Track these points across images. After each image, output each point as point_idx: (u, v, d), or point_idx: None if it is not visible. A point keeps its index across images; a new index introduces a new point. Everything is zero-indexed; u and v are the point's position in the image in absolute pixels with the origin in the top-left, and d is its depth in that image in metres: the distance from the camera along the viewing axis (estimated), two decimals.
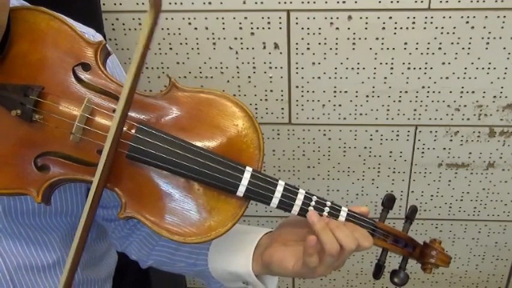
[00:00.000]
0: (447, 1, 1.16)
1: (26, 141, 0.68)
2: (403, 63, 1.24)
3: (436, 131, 1.34)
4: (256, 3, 1.18)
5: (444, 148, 1.36)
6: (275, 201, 0.70)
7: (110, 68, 0.81)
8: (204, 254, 0.82)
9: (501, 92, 1.27)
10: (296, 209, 0.71)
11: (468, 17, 1.17)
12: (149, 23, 0.61)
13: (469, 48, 1.21)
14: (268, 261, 0.75)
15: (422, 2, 1.16)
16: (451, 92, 1.28)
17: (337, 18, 1.19)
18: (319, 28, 1.21)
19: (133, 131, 0.68)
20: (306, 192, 0.72)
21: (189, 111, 0.71)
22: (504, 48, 1.21)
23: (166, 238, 0.70)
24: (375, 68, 1.25)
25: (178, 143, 0.68)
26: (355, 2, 1.17)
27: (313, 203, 0.72)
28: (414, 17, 1.18)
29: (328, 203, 0.73)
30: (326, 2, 1.17)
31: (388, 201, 0.80)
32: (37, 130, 0.68)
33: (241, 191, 0.69)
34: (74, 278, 0.66)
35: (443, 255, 0.81)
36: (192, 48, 1.25)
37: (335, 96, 1.30)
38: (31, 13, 0.71)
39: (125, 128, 0.68)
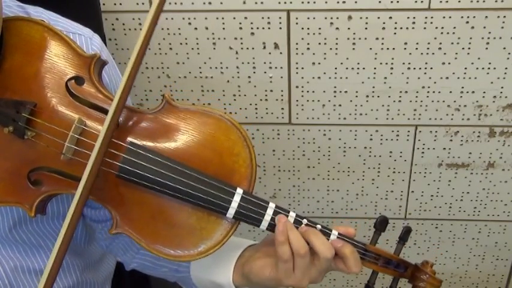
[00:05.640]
0: (447, 1, 1.16)
1: (19, 156, 0.68)
2: (403, 63, 1.24)
3: (436, 131, 1.34)
4: (256, 3, 1.18)
5: (444, 148, 1.36)
6: (265, 224, 0.70)
7: (108, 74, 0.80)
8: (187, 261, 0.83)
9: (501, 92, 1.27)
10: None
11: (468, 17, 1.17)
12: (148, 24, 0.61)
13: (469, 48, 1.21)
14: (248, 271, 0.74)
15: (422, 2, 1.16)
16: (451, 92, 1.28)
17: (337, 18, 1.19)
18: (319, 28, 1.21)
19: (123, 151, 0.67)
20: (296, 215, 0.71)
21: (181, 129, 0.70)
22: (504, 48, 1.21)
23: (156, 255, 0.70)
24: (375, 68, 1.25)
25: (168, 164, 0.68)
26: (355, 2, 1.17)
27: (303, 226, 0.71)
28: (414, 17, 1.18)
29: (318, 226, 0.72)
30: (326, 2, 1.17)
31: (381, 224, 0.79)
32: (29, 147, 0.68)
33: (231, 213, 0.69)
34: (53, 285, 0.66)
35: (434, 280, 0.81)
36: (192, 48, 1.25)
37: (335, 96, 1.30)
38: (25, 24, 0.70)
39: (115, 146, 0.67)
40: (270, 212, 0.70)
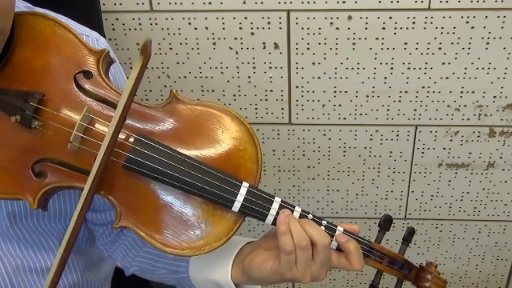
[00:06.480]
0: (447, 1, 1.16)
1: (24, 147, 0.68)
2: (403, 63, 1.24)
3: (436, 131, 1.34)
4: (256, 3, 1.18)
5: (444, 148, 1.36)
6: (270, 218, 0.70)
7: (113, 74, 0.81)
8: (185, 261, 0.82)
9: (501, 92, 1.27)
10: None
11: (468, 17, 1.17)
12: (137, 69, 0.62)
13: (469, 48, 1.21)
14: (248, 266, 0.74)
15: (422, 2, 1.16)
16: (451, 92, 1.28)
17: (337, 18, 1.19)
18: (319, 28, 1.21)
19: (131, 141, 0.68)
20: (302, 210, 0.71)
21: (188, 123, 0.71)
22: (504, 48, 1.21)
23: (160, 250, 0.69)
24: (374, 68, 1.25)
25: (175, 155, 0.68)
26: (355, 2, 1.17)
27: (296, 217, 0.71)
28: (414, 17, 1.18)
29: (324, 222, 0.72)
30: (326, 2, 1.17)
31: (385, 223, 0.79)
32: (36, 137, 0.68)
33: (236, 206, 0.68)
34: (58, 281, 0.66)
35: (439, 280, 0.81)
36: (192, 48, 1.25)
37: (335, 96, 1.30)
38: (36, 19, 0.71)
39: (123, 138, 0.68)
40: (275, 206, 0.70)
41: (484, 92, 1.27)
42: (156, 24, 1.22)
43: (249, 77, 1.29)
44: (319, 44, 1.23)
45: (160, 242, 0.69)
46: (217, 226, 0.70)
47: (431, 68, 1.25)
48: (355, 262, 0.72)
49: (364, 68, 1.25)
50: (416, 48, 1.22)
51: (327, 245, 0.70)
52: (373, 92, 1.29)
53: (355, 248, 0.71)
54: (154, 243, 0.69)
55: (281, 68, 1.27)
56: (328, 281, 1.64)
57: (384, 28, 1.20)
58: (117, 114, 0.64)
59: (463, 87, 1.27)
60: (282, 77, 1.28)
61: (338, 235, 0.72)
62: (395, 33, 1.20)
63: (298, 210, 0.71)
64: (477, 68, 1.24)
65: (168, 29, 1.23)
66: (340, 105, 1.31)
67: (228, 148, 0.71)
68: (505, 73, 1.24)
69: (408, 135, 1.35)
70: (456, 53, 1.22)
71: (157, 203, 0.70)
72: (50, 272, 0.65)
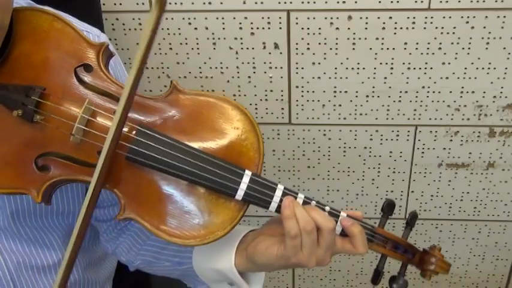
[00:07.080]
0: (447, 1, 1.16)
1: (27, 141, 0.68)
2: (403, 63, 1.24)
3: (436, 131, 1.34)
4: (256, 3, 1.18)
5: (444, 148, 1.36)
6: (274, 206, 0.70)
7: (113, 68, 0.81)
8: (189, 251, 0.82)
9: (501, 92, 1.27)
10: None
11: (468, 17, 1.17)
12: (152, 23, 0.61)
13: (469, 48, 1.21)
14: (252, 252, 0.74)
15: (422, 2, 1.16)
16: (451, 92, 1.28)
17: (337, 18, 1.19)
18: (319, 28, 1.21)
19: (133, 133, 0.68)
20: (305, 197, 0.71)
21: (189, 113, 0.71)
22: (504, 48, 1.21)
23: (165, 240, 0.70)
24: (374, 68, 1.25)
25: (178, 146, 0.68)
26: (355, 2, 1.17)
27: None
28: (414, 17, 1.18)
29: (327, 208, 0.73)
30: (326, 2, 1.17)
31: (388, 207, 0.79)
32: (38, 131, 0.68)
33: (239, 194, 0.69)
34: (69, 279, 0.66)
35: (443, 262, 0.81)
36: (192, 48, 1.26)
37: (335, 96, 1.30)
38: (34, 14, 0.71)
39: (125, 130, 0.68)
40: (278, 193, 0.70)
41: (484, 92, 1.27)
42: None
43: (249, 77, 1.29)
44: (319, 44, 1.23)
45: (165, 232, 0.69)
46: (221, 215, 0.70)
47: (431, 68, 1.25)
48: (359, 246, 0.72)
49: (364, 68, 1.26)
50: (416, 48, 1.22)
51: (332, 229, 0.70)
52: (373, 92, 1.29)
53: (359, 231, 0.72)
54: (159, 233, 0.69)
55: (281, 68, 1.27)
56: (328, 281, 1.64)
57: (384, 28, 1.20)
58: (120, 106, 0.64)
59: (463, 87, 1.27)
60: (282, 77, 1.28)
61: (342, 219, 0.73)
62: (395, 33, 1.20)
63: (301, 196, 0.71)
64: (477, 68, 1.24)
65: (168, 29, 1.23)
66: (340, 105, 1.31)
67: (229, 137, 0.71)
68: (505, 73, 1.24)
69: (408, 135, 1.35)
70: (456, 53, 1.22)
71: (160, 193, 0.70)
72: (61, 264, 0.65)
